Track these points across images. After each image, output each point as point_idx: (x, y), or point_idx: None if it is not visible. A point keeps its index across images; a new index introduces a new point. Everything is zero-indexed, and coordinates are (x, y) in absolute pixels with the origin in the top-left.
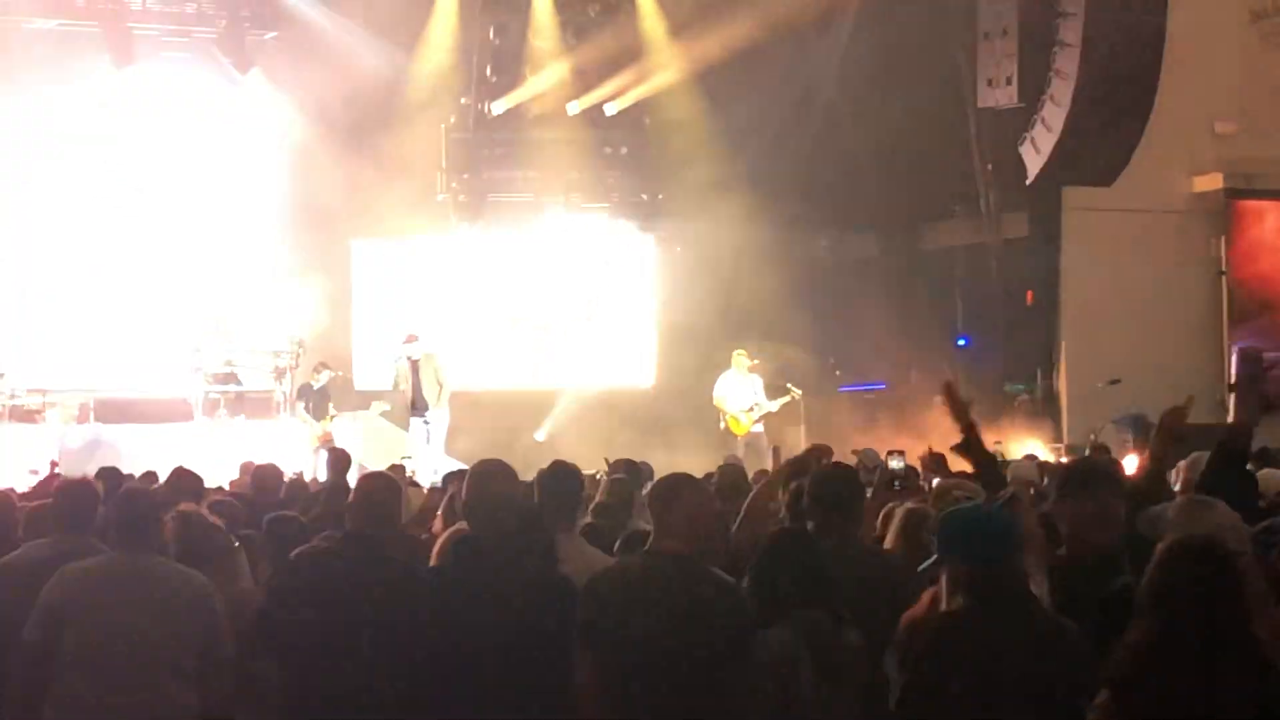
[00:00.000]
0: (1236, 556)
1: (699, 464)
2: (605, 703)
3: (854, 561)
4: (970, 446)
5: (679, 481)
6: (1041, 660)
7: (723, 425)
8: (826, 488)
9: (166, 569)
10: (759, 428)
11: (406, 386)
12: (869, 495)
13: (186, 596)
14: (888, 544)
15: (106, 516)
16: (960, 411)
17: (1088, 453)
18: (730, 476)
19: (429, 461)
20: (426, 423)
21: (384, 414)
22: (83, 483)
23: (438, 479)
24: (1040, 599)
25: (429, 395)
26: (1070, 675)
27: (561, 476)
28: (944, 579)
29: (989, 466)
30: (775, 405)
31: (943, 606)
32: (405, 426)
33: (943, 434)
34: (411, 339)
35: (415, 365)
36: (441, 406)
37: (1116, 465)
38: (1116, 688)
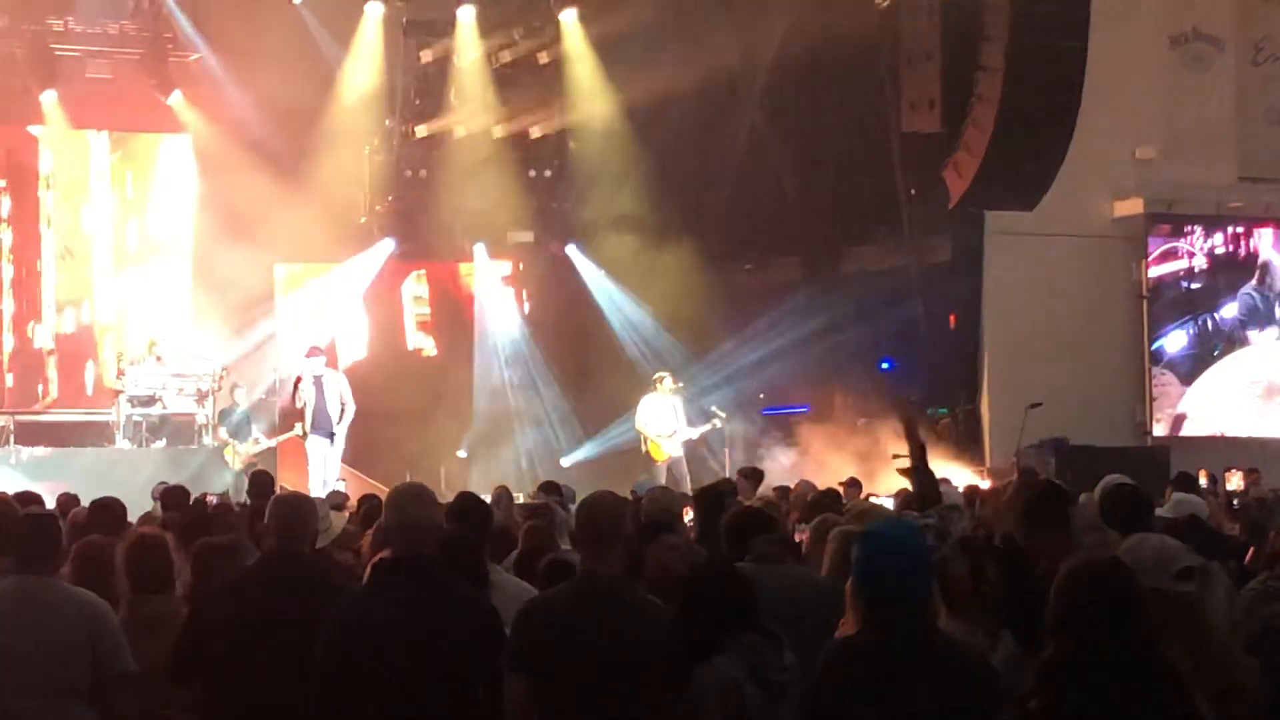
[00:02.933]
0: (1133, 574)
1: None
2: None
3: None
4: (918, 471)
5: (612, 504)
6: (940, 689)
7: (645, 449)
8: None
9: (56, 591)
10: (679, 451)
11: (309, 403)
12: None
13: (72, 617)
14: (824, 568)
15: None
16: (914, 440)
17: (1015, 476)
18: (659, 504)
19: (325, 484)
20: (330, 441)
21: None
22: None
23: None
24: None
25: (333, 413)
26: (973, 705)
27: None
28: (849, 600)
29: (930, 489)
30: (697, 432)
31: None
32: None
33: (865, 454)
34: (315, 352)
35: (319, 381)
36: (343, 427)
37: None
38: (1032, 711)
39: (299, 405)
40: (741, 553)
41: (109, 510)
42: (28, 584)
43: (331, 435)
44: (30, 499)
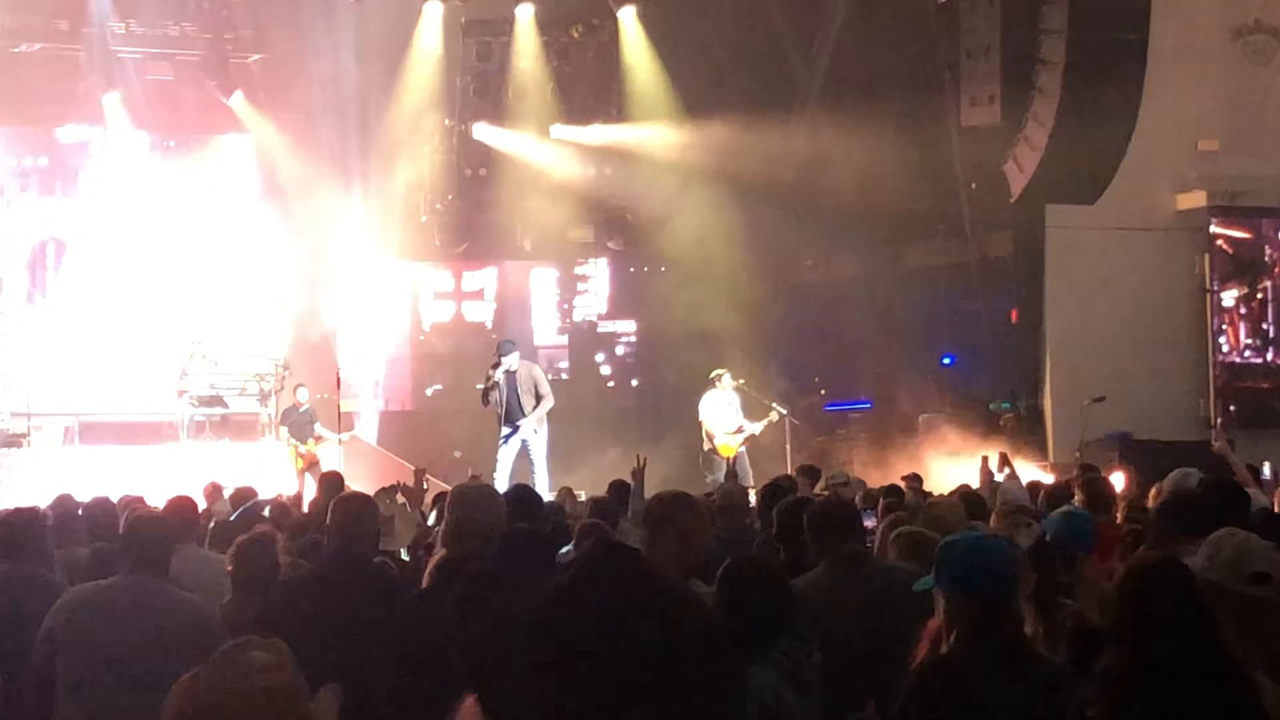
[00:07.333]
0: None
1: (682, 482)
2: None
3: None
4: None
5: (674, 502)
6: (1035, 704)
7: (708, 446)
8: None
9: (164, 594)
10: (743, 449)
11: (498, 401)
12: None
13: (179, 620)
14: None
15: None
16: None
17: (1076, 471)
18: (732, 499)
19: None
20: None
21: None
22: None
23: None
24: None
25: (526, 406)
26: (1052, 710)
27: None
28: (942, 611)
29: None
30: (759, 427)
31: (943, 645)
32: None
33: (927, 450)
34: (510, 347)
35: (511, 378)
36: (532, 419)
37: None
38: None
39: (493, 406)
40: (823, 551)
41: (183, 509)
42: (138, 584)
43: (517, 428)
44: (138, 502)
